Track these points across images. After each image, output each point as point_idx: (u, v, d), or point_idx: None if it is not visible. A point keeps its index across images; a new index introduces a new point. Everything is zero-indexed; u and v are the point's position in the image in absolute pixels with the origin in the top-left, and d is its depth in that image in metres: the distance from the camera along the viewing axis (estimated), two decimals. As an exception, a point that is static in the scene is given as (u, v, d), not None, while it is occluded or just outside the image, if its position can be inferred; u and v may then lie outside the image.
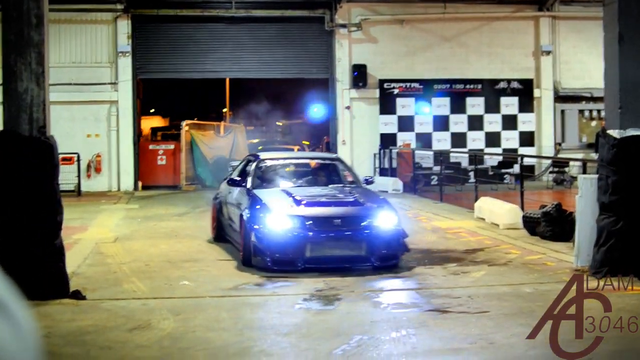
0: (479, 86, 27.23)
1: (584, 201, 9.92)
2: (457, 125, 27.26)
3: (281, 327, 7.50)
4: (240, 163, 13.91)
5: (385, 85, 26.85)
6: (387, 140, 26.52)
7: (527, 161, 25.63)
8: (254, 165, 12.27)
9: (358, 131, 26.79)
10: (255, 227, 10.28)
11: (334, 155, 15.33)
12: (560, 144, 27.65)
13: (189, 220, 16.91)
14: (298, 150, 29.50)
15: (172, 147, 26.93)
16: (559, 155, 26.53)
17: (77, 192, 23.99)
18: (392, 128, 26.86)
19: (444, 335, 7.03)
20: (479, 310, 8.00)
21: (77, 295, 8.70)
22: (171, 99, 38.92)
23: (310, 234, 10.02)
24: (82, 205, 20.09)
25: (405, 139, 26.55)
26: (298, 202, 10.41)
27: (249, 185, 11.62)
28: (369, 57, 26.72)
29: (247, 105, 39.29)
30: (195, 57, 26.34)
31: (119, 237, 13.99)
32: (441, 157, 23.31)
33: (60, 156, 23.75)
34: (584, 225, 9.86)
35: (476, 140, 27.21)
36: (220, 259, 11.43)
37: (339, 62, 26.62)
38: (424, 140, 26.69)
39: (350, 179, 12.46)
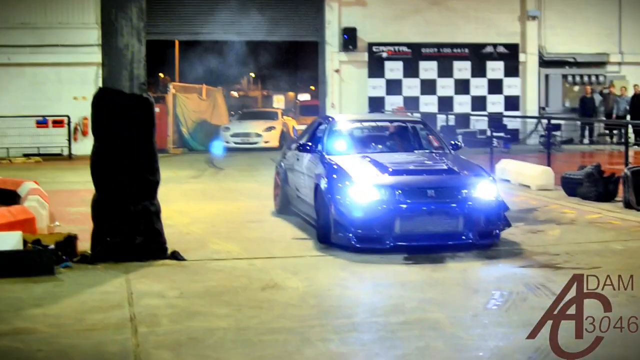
0: (466, 50, 27.35)
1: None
2: (444, 89, 27.40)
3: (411, 283, 7.52)
4: (309, 126, 12.51)
5: (374, 49, 26.77)
6: (376, 104, 26.57)
7: (511, 125, 25.99)
8: (327, 128, 10.98)
9: (347, 94, 26.78)
10: (337, 198, 9.09)
11: (417, 118, 14.27)
12: (544, 109, 28.01)
13: (210, 183, 16.80)
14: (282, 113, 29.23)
15: (157, 110, 26.37)
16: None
17: (69, 156, 23.46)
18: (381, 92, 26.89)
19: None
20: (590, 265, 8.12)
21: (177, 257, 8.54)
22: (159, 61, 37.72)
23: (403, 206, 8.85)
24: (81, 169, 19.56)
25: (394, 102, 26.61)
26: (384, 170, 9.30)
27: (324, 150, 10.40)
28: (358, 20, 26.60)
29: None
30: (182, 18, 25.89)
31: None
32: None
33: (51, 118, 23.56)
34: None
35: (462, 104, 27.40)
36: (277, 219, 11.36)
37: (328, 25, 26.46)
38: (412, 104, 26.78)
39: (436, 144, 11.23)
